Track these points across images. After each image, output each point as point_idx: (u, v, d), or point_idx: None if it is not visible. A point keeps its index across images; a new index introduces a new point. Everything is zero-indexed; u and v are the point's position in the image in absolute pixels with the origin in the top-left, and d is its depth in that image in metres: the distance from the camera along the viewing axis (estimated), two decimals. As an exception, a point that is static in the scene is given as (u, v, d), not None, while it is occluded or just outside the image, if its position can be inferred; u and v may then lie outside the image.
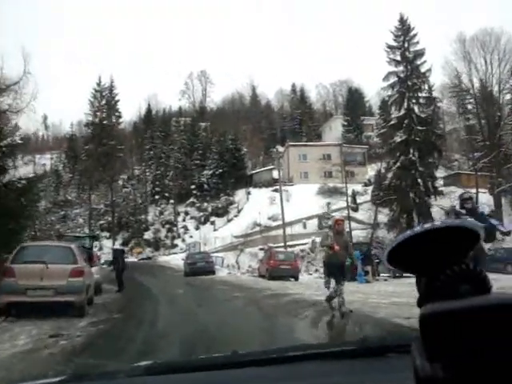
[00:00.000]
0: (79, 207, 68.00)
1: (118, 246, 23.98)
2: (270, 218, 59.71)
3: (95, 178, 67.86)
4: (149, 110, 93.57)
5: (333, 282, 10.54)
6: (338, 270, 10.38)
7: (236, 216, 62.88)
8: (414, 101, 48.32)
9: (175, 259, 53.07)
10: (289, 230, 51.14)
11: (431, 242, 0.70)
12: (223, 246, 54.05)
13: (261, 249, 48.08)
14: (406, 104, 48.17)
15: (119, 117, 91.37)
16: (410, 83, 47.86)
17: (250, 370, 1.43)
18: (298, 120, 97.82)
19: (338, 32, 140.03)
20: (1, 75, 23.06)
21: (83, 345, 8.16)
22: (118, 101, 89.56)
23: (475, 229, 0.71)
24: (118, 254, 21.43)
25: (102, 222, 66.60)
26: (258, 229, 57.03)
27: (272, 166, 74.08)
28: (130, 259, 59.77)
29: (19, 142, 20.28)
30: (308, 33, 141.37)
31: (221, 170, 68.90)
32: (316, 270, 36.98)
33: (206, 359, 1.76)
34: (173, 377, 1.44)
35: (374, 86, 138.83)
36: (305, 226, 56.48)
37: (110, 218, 64.94)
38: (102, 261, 34.59)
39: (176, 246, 61.60)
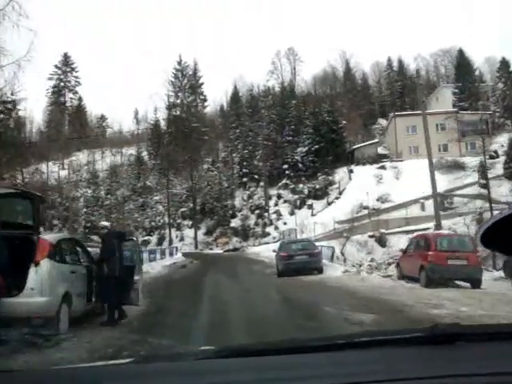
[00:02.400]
0: (159, 194, 58.50)
1: (105, 223, 10.31)
2: (378, 200, 48.56)
3: (177, 162, 58.35)
4: (235, 92, 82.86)
5: None
6: None
7: (337, 198, 51.22)
8: None
9: (267, 250, 42.14)
10: (403, 213, 42.64)
11: None
12: (324, 233, 43.21)
13: (370, 236, 38.80)
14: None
15: (204, 100, 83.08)
16: None
17: (316, 356, 1.35)
18: (398, 93, 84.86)
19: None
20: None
21: None
22: (202, 84, 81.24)
23: None
24: (109, 242, 9.04)
25: (183, 209, 56.60)
26: (365, 212, 45.37)
27: (376, 140, 61.49)
28: (215, 251, 49.43)
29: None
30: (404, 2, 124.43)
31: (317, 146, 56.92)
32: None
33: (275, 343, 1.66)
34: (241, 360, 1.38)
35: (482, 53, 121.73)
36: (423, 208, 43.98)
37: (191, 205, 54.74)
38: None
39: (268, 234, 50.18)
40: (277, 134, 59.89)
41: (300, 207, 52.24)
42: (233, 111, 70.80)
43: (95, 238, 50.96)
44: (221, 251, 47.87)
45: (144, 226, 54.73)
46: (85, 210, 54.85)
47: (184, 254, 39.81)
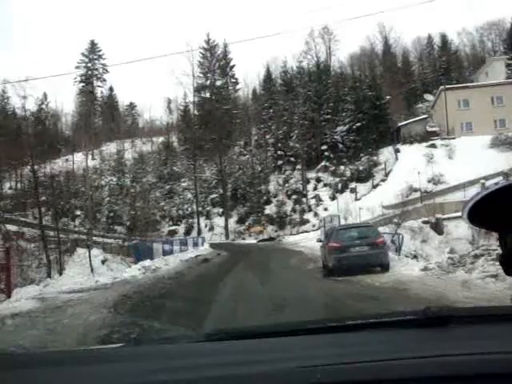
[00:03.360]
0: (187, 180, 52.91)
1: None
2: (430, 181, 42.59)
3: (207, 146, 52.69)
4: (268, 73, 76.40)
5: None
6: None
7: (383, 180, 45.08)
8: None
9: (306, 239, 36.36)
10: (460, 195, 36.11)
11: None
12: (371, 219, 36.81)
13: (425, 222, 33.36)
14: None
15: (236, 83, 77.12)
16: None
17: (309, 338, 1.33)
18: (442, 70, 77.08)
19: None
20: None
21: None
22: (233, 66, 75.18)
23: None
24: None
25: (213, 195, 50.76)
26: (416, 195, 39.04)
27: (425, 116, 54.60)
28: (248, 241, 43.62)
29: None
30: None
31: (358, 124, 50.44)
32: None
33: (268, 326, 1.65)
34: (232, 342, 1.36)
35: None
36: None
37: (222, 191, 48.91)
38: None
39: (307, 221, 44.04)
40: (314, 112, 53.46)
41: (342, 191, 45.95)
42: (266, 90, 64.49)
43: (119, 228, 45.80)
44: (254, 241, 42.10)
45: (171, 215, 49.27)
46: (108, 198, 49.74)
47: (212, 245, 34.29)
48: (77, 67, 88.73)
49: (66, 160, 66.05)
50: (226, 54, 75.13)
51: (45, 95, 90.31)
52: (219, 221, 47.46)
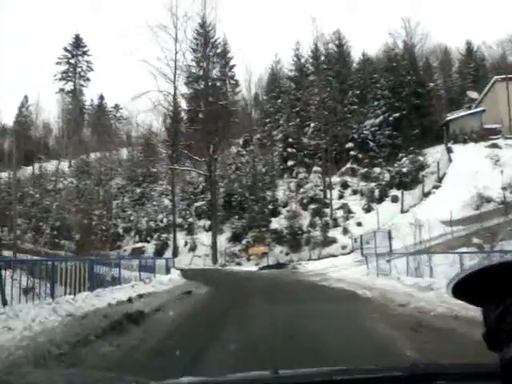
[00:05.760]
0: (166, 182, 38.08)
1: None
2: (505, 188, 29.21)
3: (196, 145, 38.21)
4: (273, 72, 62.28)
5: None
6: None
7: (436, 187, 30.92)
8: None
9: (337, 267, 21.85)
10: None
11: (502, 275, 0.63)
12: (433, 238, 23.36)
13: None
14: None
15: (235, 85, 63.56)
16: None
17: None
18: (471, 76, 64.04)
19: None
20: None
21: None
22: (233, 66, 61.72)
23: None
24: None
25: (199, 203, 35.64)
26: (491, 206, 27.23)
27: (482, 108, 40.65)
28: (245, 267, 28.47)
29: None
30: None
31: (397, 115, 36.16)
32: None
33: (234, 380, 1.50)
34: None
35: None
36: None
37: (210, 197, 33.77)
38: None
39: (332, 241, 28.80)
40: (335, 101, 39.12)
41: (380, 200, 31.34)
42: (272, 78, 50.48)
43: (67, 243, 31.03)
44: (255, 268, 27.05)
45: (138, 228, 34.12)
46: (57, 203, 34.85)
47: (185, 273, 19.48)
48: (57, 63, 75.33)
49: (40, 167, 53.53)
50: (225, 53, 61.82)
51: (26, 97, 77.13)
52: (205, 238, 32.29)
